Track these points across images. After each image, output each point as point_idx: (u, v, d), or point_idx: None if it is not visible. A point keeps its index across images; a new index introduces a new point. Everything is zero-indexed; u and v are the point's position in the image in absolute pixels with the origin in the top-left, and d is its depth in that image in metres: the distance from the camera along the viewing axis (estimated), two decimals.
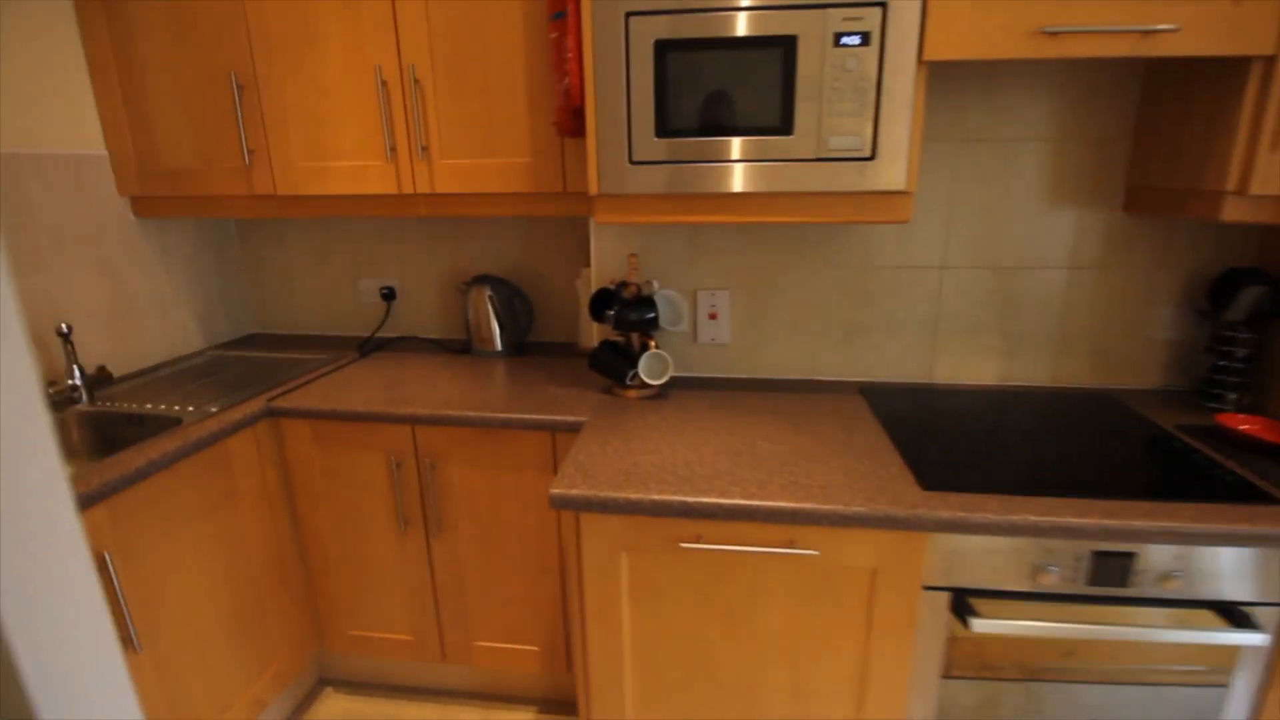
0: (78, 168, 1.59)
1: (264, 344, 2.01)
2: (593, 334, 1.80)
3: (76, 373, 1.51)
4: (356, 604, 1.65)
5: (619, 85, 1.17)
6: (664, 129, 1.17)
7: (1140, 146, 1.37)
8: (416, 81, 1.47)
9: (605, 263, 1.58)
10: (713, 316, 1.57)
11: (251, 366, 1.83)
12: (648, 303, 1.42)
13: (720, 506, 1.00)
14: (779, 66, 1.13)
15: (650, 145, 1.18)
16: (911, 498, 1.02)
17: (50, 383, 1.49)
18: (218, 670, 1.39)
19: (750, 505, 0.99)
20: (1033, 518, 0.98)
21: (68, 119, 1.57)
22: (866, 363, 1.56)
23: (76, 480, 1.09)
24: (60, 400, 1.50)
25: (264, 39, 1.50)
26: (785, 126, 1.16)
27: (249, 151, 1.58)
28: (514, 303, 1.87)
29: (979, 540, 1.03)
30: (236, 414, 1.42)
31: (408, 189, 1.55)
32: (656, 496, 1.02)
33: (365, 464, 1.51)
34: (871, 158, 1.15)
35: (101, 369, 1.61)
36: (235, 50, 1.52)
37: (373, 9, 1.44)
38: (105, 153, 1.65)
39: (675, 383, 1.58)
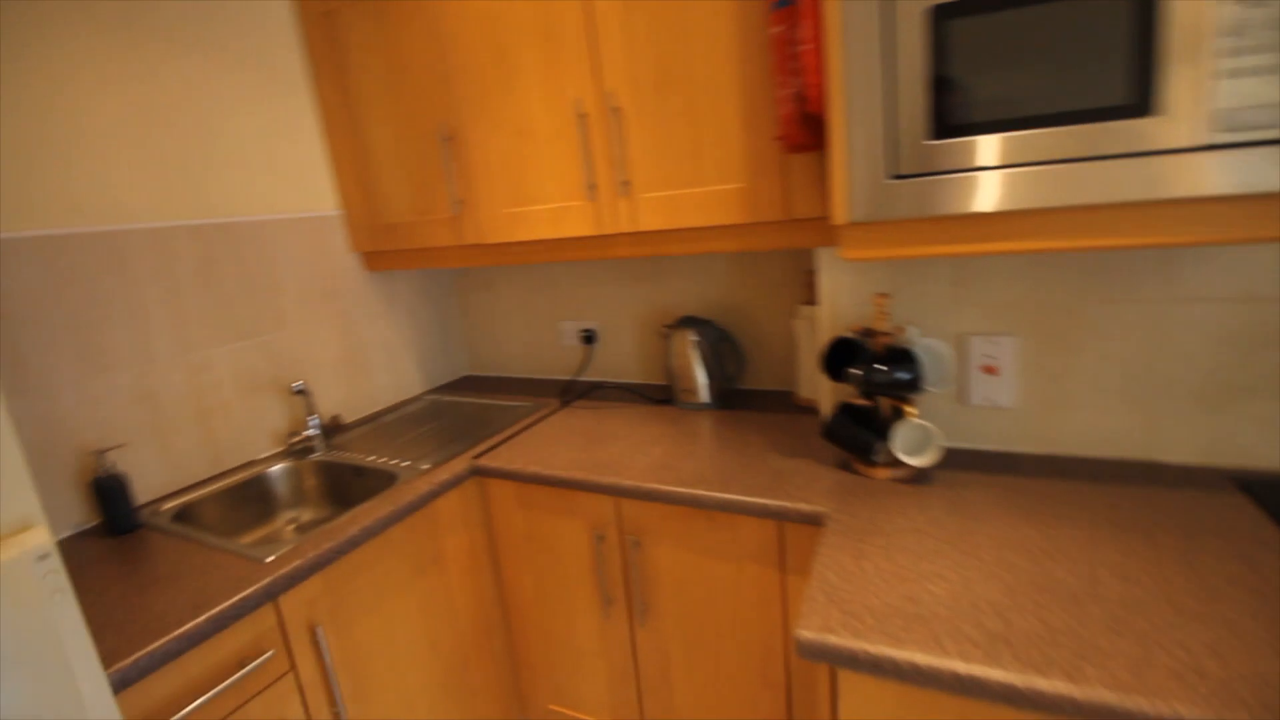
0: (317, 229, 1.69)
1: (476, 387, 2.02)
2: (815, 385, 1.49)
3: (315, 423, 1.59)
4: (557, 677, 1.52)
5: (875, 77, 0.87)
6: (943, 127, 0.85)
7: None
8: (616, 110, 1.31)
9: (839, 304, 1.28)
10: (990, 371, 1.18)
11: (463, 413, 1.83)
12: (904, 357, 1.09)
13: (1075, 703, 0.64)
14: (1128, 13, 0.75)
15: (922, 152, 0.87)
16: None
17: (291, 433, 1.58)
18: None
19: (1131, 712, 0.63)
20: None
21: (307, 183, 1.67)
22: (1245, 440, 1.05)
23: (293, 553, 1.07)
24: (301, 450, 1.58)
25: (466, 86, 1.46)
26: (1143, 103, 0.77)
27: (457, 202, 1.56)
28: (721, 347, 1.64)
29: None
30: (444, 473, 1.37)
31: (608, 229, 1.39)
32: (963, 669, 0.69)
33: (567, 533, 1.37)
34: None
35: (335, 418, 1.69)
36: (442, 101, 1.50)
37: (572, 36, 1.32)
38: (339, 212, 1.75)
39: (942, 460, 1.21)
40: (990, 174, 0.85)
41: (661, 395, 1.74)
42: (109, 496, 1.17)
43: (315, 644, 1.09)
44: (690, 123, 1.26)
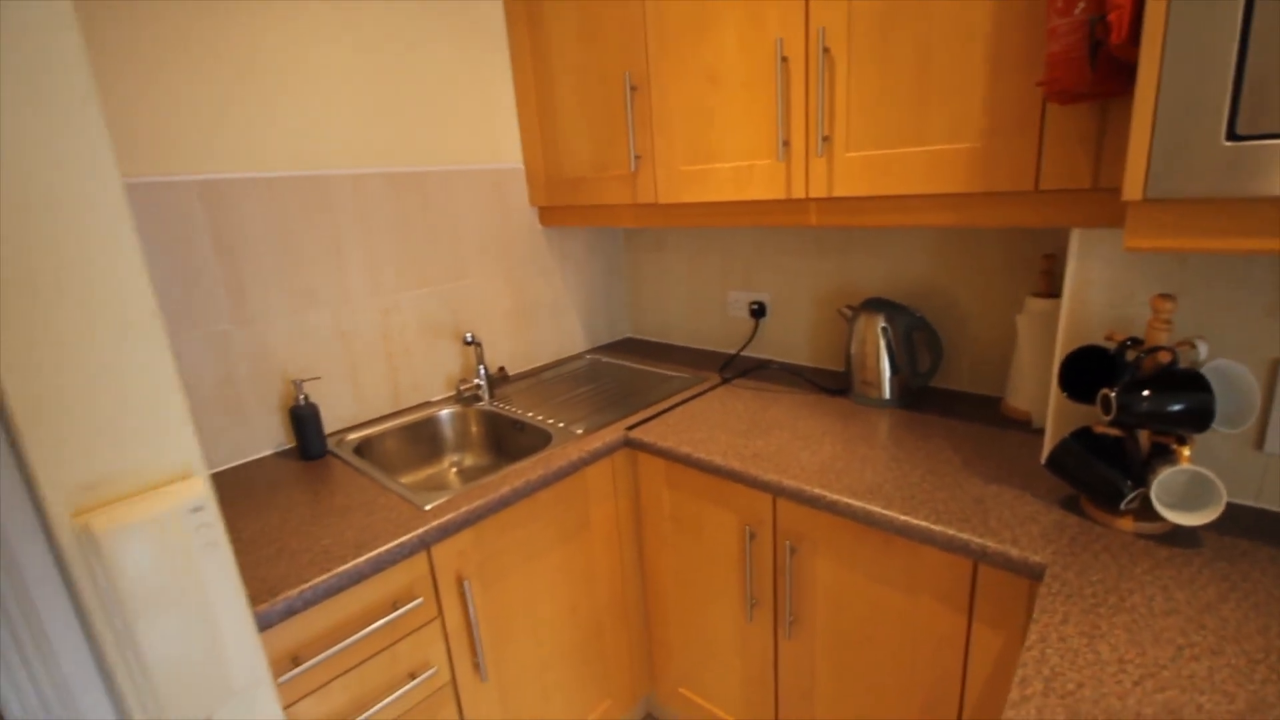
0: (500, 181, 1.71)
1: (636, 351, 1.97)
2: (1033, 396, 1.23)
3: (482, 372, 1.64)
4: (690, 663, 1.46)
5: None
6: None
7: None
8: (825, 50, 1.12)
9: (1089, 302, 1.00)
10: None
11: (621, 378, 1.79)
12: (1188, 382, 0.82)
13: None
14: None
15: None
16: None
17: (462, 380, 1.64)
18: (556, 702, 1.35)
19: None
20: None
21: (495, 135, 1.68)
22: None
23: (448, 504, 1.09)
24: (468, 397, 1.64)
25: (659, 28, 1.34)
26: None
27: (635, 157, 1.47)
28: (915, 337, 1.41)
29: None
30: (596, 441, 1.33)
31: (798, 193, 1.22)
32: None
33: (716, 523, 1.28)
34: None
35: (501, 369, 1.74)
36: (632, 47, 1.40)
37: None
38: (521, 166, 1.75)
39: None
40: None
41: (835, 385, 1.55)
42: (302, 424, 1.28)
43: (462, 595, 1.11)
44: (920, 65, 1.04)
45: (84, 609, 0.50)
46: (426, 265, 1.58)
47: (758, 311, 1.76)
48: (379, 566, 0.96)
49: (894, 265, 1.50)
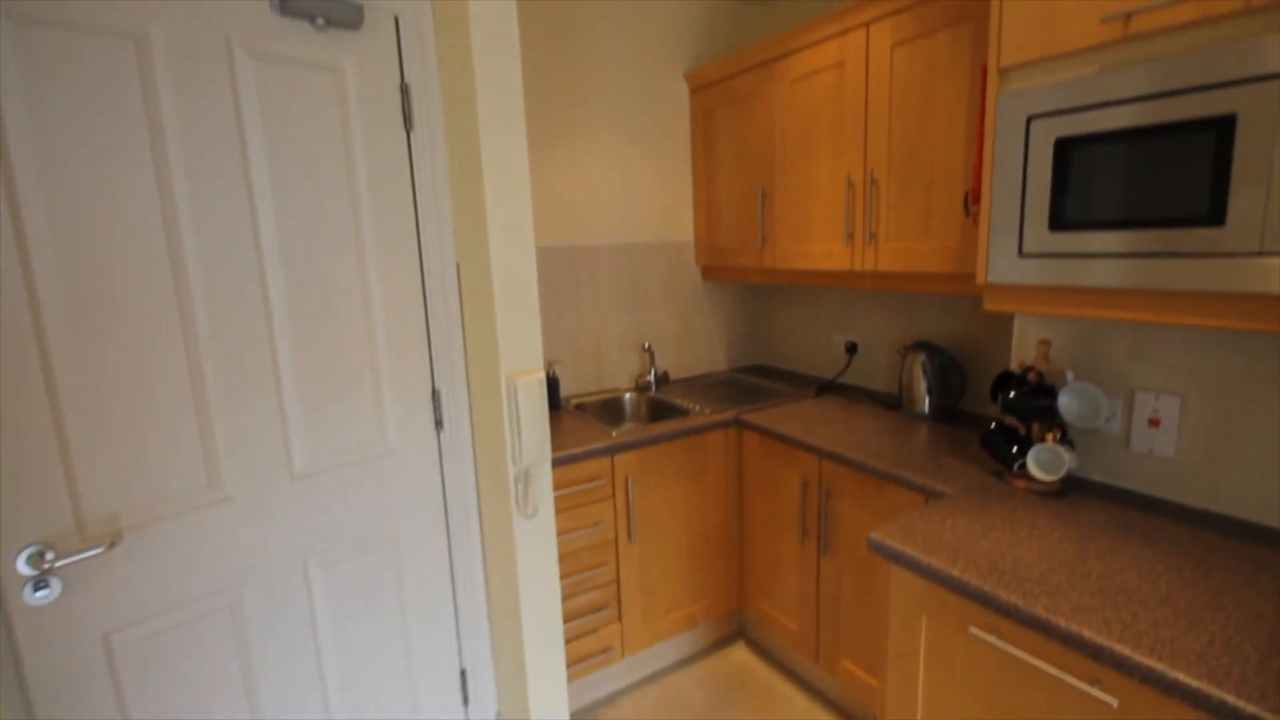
0: (677, 249, 2.57)
1: (761, 373, 2.70)
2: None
3: (653, 373, 2.48)
4: (768, 582, 2.12)
5: (1015, 182, 1.24)
6: (1059, 223, 1.19)
7: None
8: (874, 181, 1.81)
9: (1026, 346, 1.56)
10: (1154, 424, 1.35)
11: (747, 387, 2.53)
12: (1048, 392, 1.38)
13: (1017, 609, 1.01)
14: (1208, 150, 1.00)
15: (1042, 238, 1.21)
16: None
17: (639, 377, 2.50)
18: (672, 582, 2.10)
19: (1047, 620, 0.97)
20: None
21: (678, 219, 2.56)
22: None
23: (623, 434, 1.93)
24: (643, 388, 2.50)
25: (783, 159, 2.12)
26: (1213, 217, 1.01)
27: (763, 238, 2.24)
28: (946, 370, 1.97)
29: None
30: (717, 417, 2.09)
31: (857, 266, 1.90)
32: (955, 572, 1.10)
33: (786, 479, 1.96)
34: None
35: (665, 373, 2.57)
36: (765, 170, 2.19)
37: (852, 129, 1.86)
38: (691, 239, 2.61)
39: (1091, 489, 1.43)
40: (1092, 260, 1.15)
41: (892, 403, 2.14)
42: (552, 387, 2.21)
43: (626, 488, 1.93)
44: (926, 195, 1.70)
45: (510, 416, 1.40)
46: (626, 299, 2.49)
47: (850, 349, 2.40)
48: (590, 455, 1.82)
49: (944, 319, 2.07)
